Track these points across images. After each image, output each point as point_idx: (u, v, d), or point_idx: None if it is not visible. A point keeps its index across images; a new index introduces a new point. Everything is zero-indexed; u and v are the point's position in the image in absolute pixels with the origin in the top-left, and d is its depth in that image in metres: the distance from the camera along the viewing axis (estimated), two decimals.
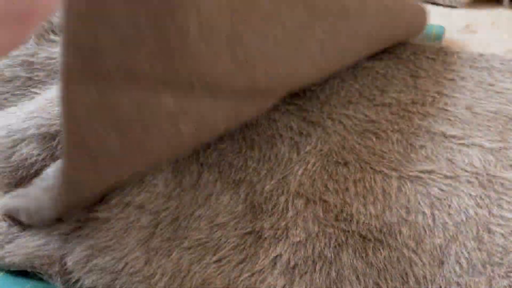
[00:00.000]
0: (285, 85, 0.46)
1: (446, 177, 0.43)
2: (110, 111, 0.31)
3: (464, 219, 0.39)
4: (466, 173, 0.44)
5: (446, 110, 0.53)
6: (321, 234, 0.38)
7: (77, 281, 0.35)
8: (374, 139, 0.48)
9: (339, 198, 0.41)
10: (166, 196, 0.41)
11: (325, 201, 0.41)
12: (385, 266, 0.36)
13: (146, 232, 0.38)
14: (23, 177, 0.42)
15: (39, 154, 0.42)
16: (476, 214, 0.40)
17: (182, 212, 0.40)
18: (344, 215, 0.40)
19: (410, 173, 0.44)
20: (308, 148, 0.47)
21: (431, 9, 0.85)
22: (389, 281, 0.35)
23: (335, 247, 0.37)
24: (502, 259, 0.36)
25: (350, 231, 0.38)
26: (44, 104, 0.45)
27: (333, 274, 0.35)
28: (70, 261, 0.35)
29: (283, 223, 0.39)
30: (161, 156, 0.37)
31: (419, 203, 0.41)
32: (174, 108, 0.34)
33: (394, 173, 0.44)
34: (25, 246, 0.36)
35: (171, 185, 0.42)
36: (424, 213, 0.40)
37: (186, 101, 0.35)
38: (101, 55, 0.30)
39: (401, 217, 0.39)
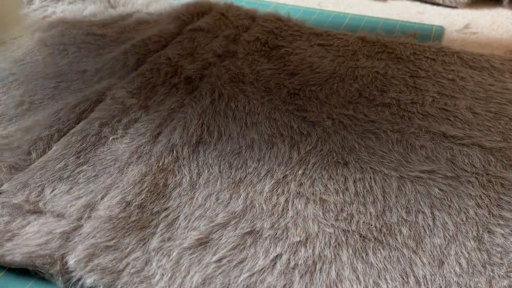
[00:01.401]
0: None
1: (446, 177, 0.44)
2: None
3: (464, 219, 0.40)
4: (466, 173, 0.44)
5: (446, 110, 0.53)
6: (321, 234, 0.38)
7: (78, 280, 0.35)
8: (374, 139, 0.48)
9: (339, 198, 0.41)
10: (166, 196, 0.41)
11: (325, 201, 0.41)
12: (385, 266, 0.36)
13: (147, 232, 0.38)
14: None
15: None
16: (476, 214, 0.40)
17: (182, 212, 0.40)
18: (344, 215, 0.40)
19: (410, 173, 0.44)
20: (308, 148, 0.47)
21: (431, 9, 0.85)
22: (389, 281, 0.35)
23: (335, 247, 0.37)
24: (502, 259, 0.36)
25: (350, 231, 0.38)
26: None
27: (333, 274, 0.35)
28: (71, 260, 0.35)
29: (283, 223, 0.39)
30: None
31: (419, 203, 0.41)
32: None
33: (394, 173, 0.44)
34: (26, 245, 0.36)
35: (171, 185, 0.43)
36: (424, 213, 0.40)
37: None
38: None
39: (401, 217, 0.40)
